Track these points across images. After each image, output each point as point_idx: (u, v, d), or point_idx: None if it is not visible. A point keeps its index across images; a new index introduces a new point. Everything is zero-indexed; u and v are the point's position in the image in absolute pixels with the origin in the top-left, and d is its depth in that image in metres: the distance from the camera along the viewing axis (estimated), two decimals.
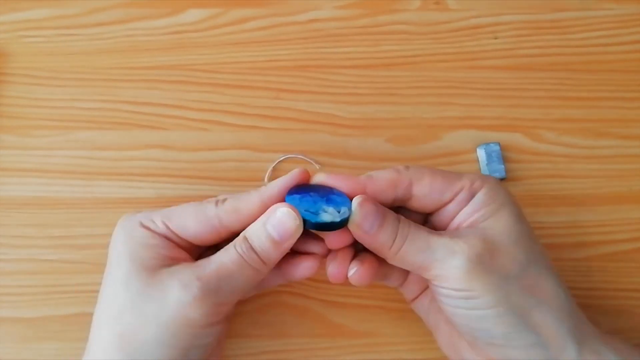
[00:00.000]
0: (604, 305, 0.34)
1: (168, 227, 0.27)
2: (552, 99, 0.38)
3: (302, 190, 0.27)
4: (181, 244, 0.28)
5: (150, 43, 0.38)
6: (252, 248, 0.26)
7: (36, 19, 0.38)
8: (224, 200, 0.28)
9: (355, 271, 0.28)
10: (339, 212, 0.26)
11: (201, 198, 0.32)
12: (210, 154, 0.36)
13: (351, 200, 0.27)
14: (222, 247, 0.28)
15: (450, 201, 0.28)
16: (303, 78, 0.38)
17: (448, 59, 0.39)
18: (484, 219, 0.27)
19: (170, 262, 0.27)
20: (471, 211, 0.28)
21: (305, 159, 0.36)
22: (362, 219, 0.26)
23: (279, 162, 0.36)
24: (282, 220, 0.26)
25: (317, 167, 0.36)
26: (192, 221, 0.27)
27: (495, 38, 0.39)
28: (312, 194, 0.27)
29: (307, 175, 0.28)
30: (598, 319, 0.34)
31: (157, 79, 0.37)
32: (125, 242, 0.27)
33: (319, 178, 0.28)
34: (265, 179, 0.36)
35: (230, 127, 0.37)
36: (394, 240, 0.26)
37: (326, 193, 0.27)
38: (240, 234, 0.27)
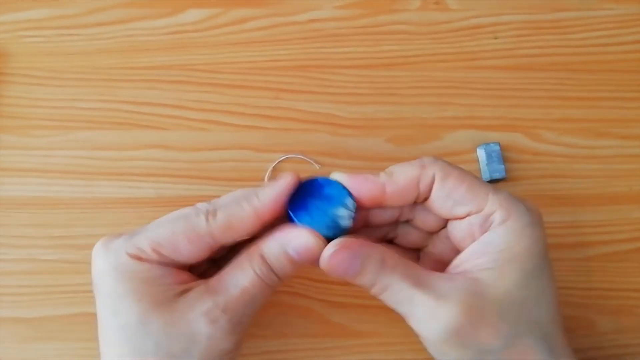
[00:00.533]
0: (604, 305, 0.34)
1: (160, 253, 0.25)
2: (552, 99, 0.38)
3: (300, 199, 0.26)
4: (179, 266, 0.26)
5: (150, 43, 0.38)
6: (272, 270, 0.25)
7: (36, 19, 0.38)
8: (214, 212, 0.25)
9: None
10: (348, 209, 0.26)
11: (201, 198, 0.32)
12: (210, 154, 0.36)
13: (344, 187, 0.26)
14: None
15: (463, 217, 0.26)
16: (303, 78, 0.38)
17: (448, 59, 0.39)
18: (486, 267, 0.25)
19: (180, 287, 0.25)
20: (479, 251, 0.25)
21: (305, 159, 0.36)
22: (332, 268, 0.25)
23: (279, 162, 0.36)
24: (307, 246, 0.25)
25: (317, 167, 0.36)
26: (184, 242, 0.25)
27: (495, 38, 0.39)
28: (312, 200, 0.26)
29: (297, 181, 0.27)
30: (598, 319, 0.34)
31: (157, 79, 0.37)
32: (119, 280, 0.24)
33: (336, 178, 0.27)
34: (265, 179, 0.36)
35: (230, 127, 0.37)
36: (372, 286, 0.25)
37: (319, 189, 0.27)
38: (255, 253, 0.26)
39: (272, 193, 0.26)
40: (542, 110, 0.38)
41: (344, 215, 0.26)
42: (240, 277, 0.25)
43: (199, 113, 0.37)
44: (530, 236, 0.25)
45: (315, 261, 0.25)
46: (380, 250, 0.25)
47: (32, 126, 0.36)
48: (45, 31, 0.38)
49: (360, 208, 0.27)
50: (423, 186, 0.26)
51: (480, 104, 0.38)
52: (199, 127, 0.37)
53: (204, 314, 0.24)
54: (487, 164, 0.36)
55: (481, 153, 0.36)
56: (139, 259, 0.25)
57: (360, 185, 0.26)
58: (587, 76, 0.39)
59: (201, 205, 0.27)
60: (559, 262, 0.35)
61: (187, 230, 0.25)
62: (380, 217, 0.29)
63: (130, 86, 0.37)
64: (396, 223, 0.30)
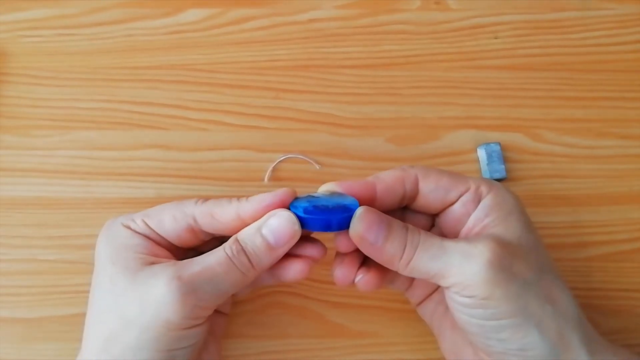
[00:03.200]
0: (604, 305, 0.34)
1: (147, 225, 0.27)
2: (552, 99, 0.38)
3: (311, 206, 0.26)
4: (162, 243, 0.28)
5: (149, 43, 0.38)
6: (243, 251, 0.25)
7: (36, 19, 0.38)
8: (205, 200, 0.27)
9: (361, 278, 0.27)
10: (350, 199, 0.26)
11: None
12: (210, 154, 0.36)
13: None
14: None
15: (455, 201, 0.28)
16: (303, 78, 0.38)
17: (448, 59, 0.39)
18: (494, 224, 0.26)
19: (152, 258, 0.26)
20: (482, 215, 0.27)
21: (305, 159, 0.36)
22: (365, 230, 0.25)
23: (279, 162, 0.36)
24: (280, 226, 0.25)
25: (317, 167, 0.36)
26: (169, 218, 0.27)
27: (496, 38, 0.39)
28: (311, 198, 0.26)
29: (293, 195, 0.27)
30: (598, 319, 0.34)
31: (156, 78, 0.37)
32: (107, 245, 0.27)
33: (328, 187, 0.27)
34: (265, 179, 0.36)
35: (230, 127, 0.37)
36: (403, 250, 0.25)
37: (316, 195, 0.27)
38: (232, 237, 0.26)
39: (258, 197, 0.26)
40: (542, 110, 0.38)
41: (347, 201, 0.26)
42: (209, 256, 0.26)
43: (199, 113, 0.37)
44: (512, 197, 0.28)
45: (291, 243, 0.26)
46: (398, 220, 0.26)
47: (32, 126, 0.36)
48: (45, 31, 0.38)
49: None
50: (408, 184, 0.28)
51: (480, 104, 0.38)
52: (199, 127, 0.37)
53: (159, 279, 0.25)
54: (487, 164, 0.36)
55: (481, 153, 0.36)
56: (128, 228, 0.27)
57: (351, 187, 0.27)
58: (587, 76, 0.39)
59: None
60: (559, 262, 0.35)
61: (175, 209, 0.27)
62: None
63: (130, 86, 0.37)
64: None
